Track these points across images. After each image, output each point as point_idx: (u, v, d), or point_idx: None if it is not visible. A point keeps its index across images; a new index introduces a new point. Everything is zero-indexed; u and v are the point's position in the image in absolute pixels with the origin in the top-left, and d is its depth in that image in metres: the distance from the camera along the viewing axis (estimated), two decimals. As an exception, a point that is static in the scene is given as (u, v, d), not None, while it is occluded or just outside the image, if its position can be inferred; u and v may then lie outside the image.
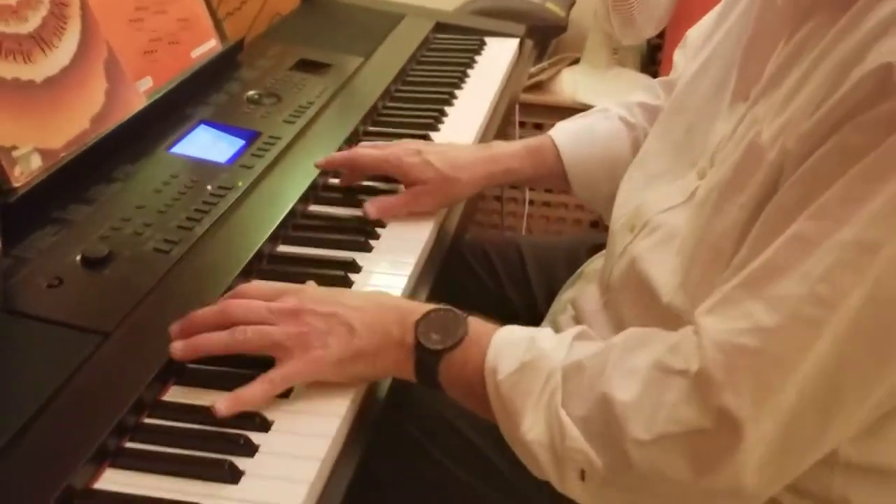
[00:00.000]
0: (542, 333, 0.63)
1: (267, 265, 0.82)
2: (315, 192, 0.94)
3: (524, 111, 1.75)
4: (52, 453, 0.58)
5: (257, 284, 0.69)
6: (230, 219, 0.84)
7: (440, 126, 1.12)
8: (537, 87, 1.78)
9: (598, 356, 0.59)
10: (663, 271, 0.69)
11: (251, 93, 1.10)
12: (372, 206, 0.87)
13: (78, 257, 0.75)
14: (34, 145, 0.83)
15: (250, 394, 0.61)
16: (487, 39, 1.40)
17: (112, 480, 0.59)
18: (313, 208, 0.93)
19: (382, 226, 0.89)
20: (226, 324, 0.65)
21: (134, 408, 0.63)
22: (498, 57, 1.35)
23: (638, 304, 0.73)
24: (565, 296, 0.96)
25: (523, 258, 1.07)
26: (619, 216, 0.82)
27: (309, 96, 1.11)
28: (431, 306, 0.66)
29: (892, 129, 0.50)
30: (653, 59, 1.86)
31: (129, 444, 0.62)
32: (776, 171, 0.57)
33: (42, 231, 0.79)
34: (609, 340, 0.61)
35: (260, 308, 0.64)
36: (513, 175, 0.92)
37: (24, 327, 0.68)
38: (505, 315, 0.99)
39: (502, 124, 1.23)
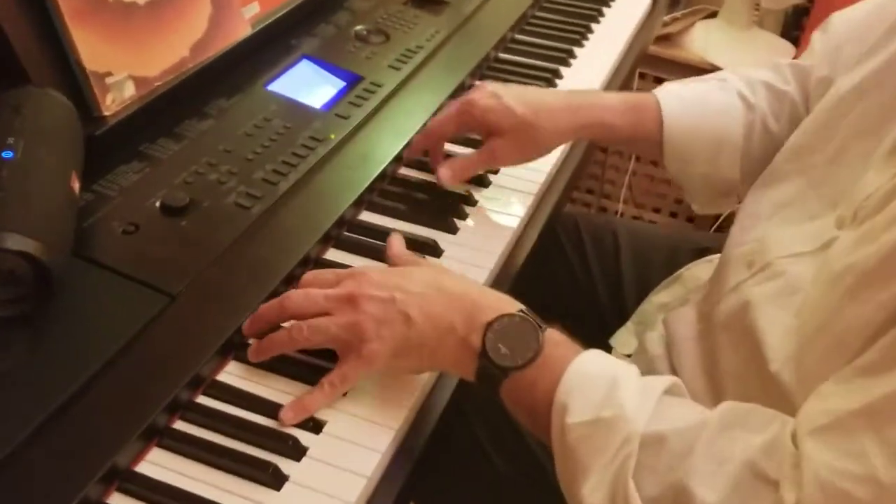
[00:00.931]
0: (626, 377, 0.56)
1: (346, 232, 0.79)
2: (400, 163, 0.89)
3: (647, 63, 1.64)
4: (99, 427, 0.56)
5: (318, 273, 0.66)
6: (317, 176, 0.81)
7: (556, 83, 1.05)
8: (666, 38, 1.66)
9: (687, 433, 0.53)
10: (777, 332, 0.62)
11: (359, 27, 1.04)
12: (445, 171, 0.81)
13: (158, 203, 0.73)
14: (129, 72, 0.80)
15: (313, 400, 0.60)
16: (618, -10, 1.29)
17: (156, 462, 0.58)
18: (405, 171, 0.89)
19: (472, 203, 0.84)
20: (286, 318, 0.63)
21: (190, 383, 0.62)
22: (628, 9, 1.25)
23: (740, 354, 0.66)
24: (657, 298, 0.91)
25: (618, 245, 1.00)
26: (736, 242, 0.74)
27: (419, 38, 1.05)
28: (506, 306, 0.60)
29: None
30: (797, 24, 1.70)
31: (178, 424, 0.60)
32: None
33: (127, 166, 0.77)
34: (702, 416, 0.54)
35: (317, 297, 0.62)
36: (606, 130, 0.83)
37: (92, 276, 0.66)
38: (588, 302, 0.96)
39: (626, 78, 1.15)
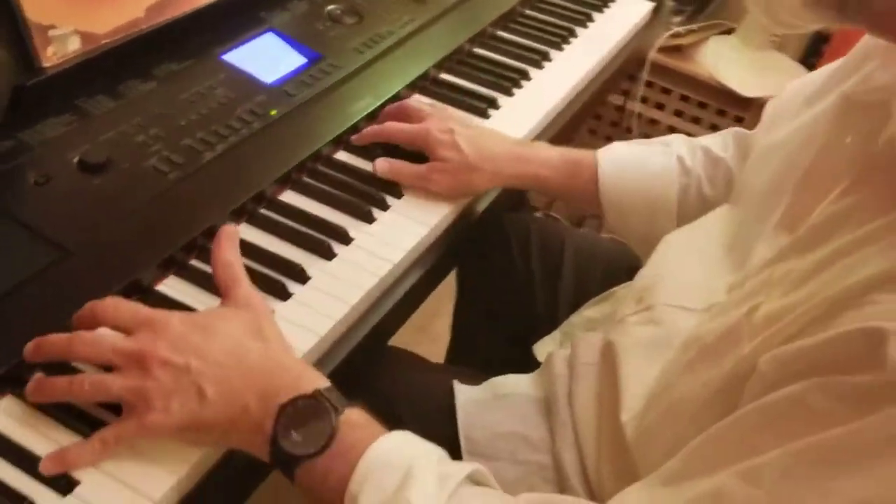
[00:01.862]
0: (422, 468, 0.52)
1: (263, 209, 0.79)
2: (348, 140, 0.88)
3: (655, 72, 1.61)
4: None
5: (117, 305, 0.58)
6: (245, 149, 0.80)
7: (515, 91, 1.03)
8: (677, 49, 1.62)
9: None
10: (636, 383, 0.60)
11: (333, 7, 1.03)
12: (384, 163, 0.82)
13: (76, 158, 0.74)
14: (75, 27, 0.81)
15: (79, 455, 0.54)
16: (619, -5, 1.27)
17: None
18: (343, 156, 0.87)
19: (398, 196, 0.83)
20: (71, 358, 0.58)
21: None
22: (622, 16, 1.22)
23: (604, 391, 0.65)
24: (587, 312, 0.90)
25: (563, 253, 0.99)
26: (643, 274, 0.73)
27: (392, 24, 1.04)
28: (306, 385, 0.55)
29: (863, 407, 0.39)
30: (816, 51, 1.65)
31: None
32: (745, 371, 0.47)
33: (57, 118, 0.78)
34: None
35: (105, 348, 0.56)
36: (541, 183, 0.84)
37: None
38: (523, 305, 0.96)
39: (604, 89, 1.13)
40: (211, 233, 0.72)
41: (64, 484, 0.53)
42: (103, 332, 0.57)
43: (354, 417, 0.55)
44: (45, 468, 0.53)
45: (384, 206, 0.82)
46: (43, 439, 0.56)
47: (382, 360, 0.83)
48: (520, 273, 0.99)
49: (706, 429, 0.46)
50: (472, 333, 1.04)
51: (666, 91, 1.65)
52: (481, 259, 1.01)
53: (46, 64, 0.78)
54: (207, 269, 0.68)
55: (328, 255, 0.75)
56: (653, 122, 1.70)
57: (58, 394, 0.56)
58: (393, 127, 0.85)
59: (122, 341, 0.56)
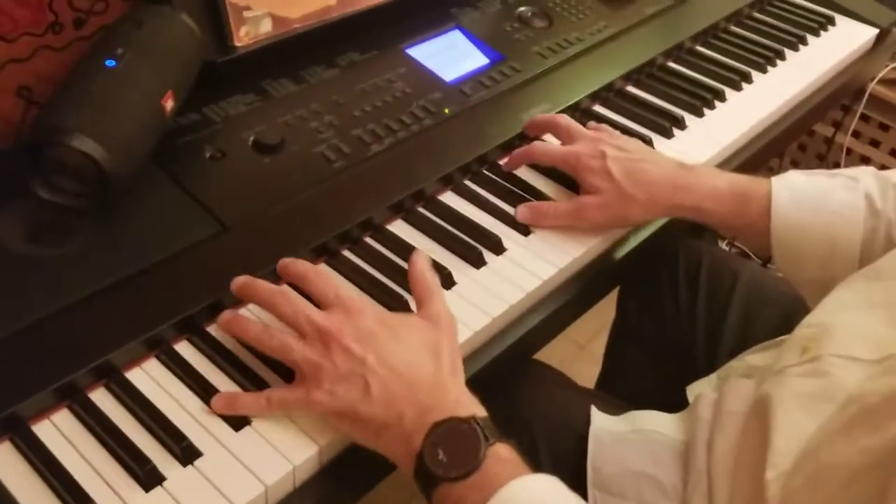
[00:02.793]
0: None
1: (421, 208, 0.77)
2: (513, 147, 0.85)
3: (873, 105, 1.47)
4: (106, 325, 0.61)
5: (325, 279, 0.61)
6: (412, 146, 0.80)
7: (706, 112, 0.96)
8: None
9: None
10: (791, 437, 0.55)
11: (524, 9, 1.01)
12: (526, 211, 0.77)
13: (252, 137, 0.76)
14: (269, 10, 0.83)
15: (246, 403, 0.59)
16: (839, 19, 1.16)
17: (148, 372, 0.61)
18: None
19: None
20: (269, 309, 0.61)
21: (202, 312, 0.64)
22: (837, 44, 1.11)
23: (741, 448, 0.60)
24: (750, 358, 0.82)
25: (734, 290, 0.91)
26: (806, 322, 0.66)
27: (583, 30, 1.00)
28: (462, 409, 0.56)
29: None
30: None
31: (181, 346, 0.63)
32: None
33: (242, 96, 0.80)
34: None
35: (302, 315, 0.59)
36: (703, 216, 0.77)
37: (163, 188, 0.69)
38: (684, 340, 0.90)
39: (809, 119, 1.04)
40: (367, 225, 0.73)
41: (238, 422, 0.58)
42: (299, 304, 0.59)
43: (502, 452, 0.54)
44: (216, 405, 0.58)
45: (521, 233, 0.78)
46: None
47: (525, 373, 0.80)
48: (684, 306, 0.93)
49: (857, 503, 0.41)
50: (625, 361, 0.99)
51: (884, 127, 1.50)
52: (645, 285, 0.96)
53: (238, 43, 0.81)
54: (357, 261, 0.70)
55: (478, 262, 0.73)
56: (864, 159, 1.55)
57: (248, 334, 0.59)
58: (539, 149, 0.81)
59: (317, 314, 0.58)
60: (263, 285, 0.61)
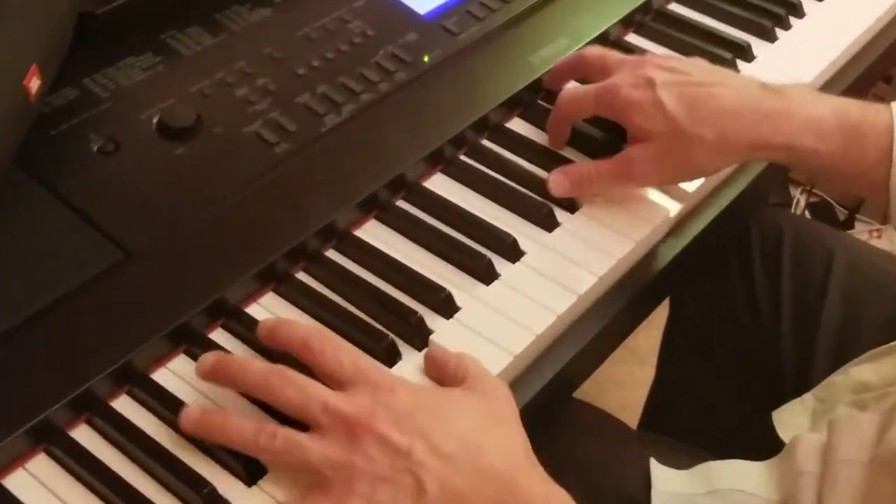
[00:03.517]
0: None
1: (401, 201, 0.75)
2: (528, 103, 0.83)
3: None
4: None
5: (336, 344, 0.60)
6: (379, 114, 0.77)
7: (780, 33, 0.93)
8: None
9: None
10: None
11: None
12: (561, 179, 0.75)
13: (156, 117, 0.72)
14: (167, -69, 0.78)
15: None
16: None
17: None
18: (516, 126, 0.83)
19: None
20: (263, 397, 0.59)
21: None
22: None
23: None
24: (857, 371, 0.81)
25: (829, 274, 0.90)
26: None
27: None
28: (553, 500, 0.56)
29: None
30: None
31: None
32: None
33: (137, 59, 0.76)
34: None
35: (313, 400, 0.57)
36: (796, 157, 0.74)
37: (38, 201, 0.65)
38: (764, 345, 0.91)
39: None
40: (328, 233, 0.70)
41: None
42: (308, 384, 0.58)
43: None
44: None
45: (574, 206, 0.76)
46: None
47: (560, 419, 0.80)
48: (762, 300, 0.92)
49: None
50: (684, 380, 0.99)
51: None
52: (708, 274, 0.95)
53: (126, -13, 0.75)
54: (318, 287, 0.68)
55: (487, 276, 0.70)
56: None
57: (235, 437, 0.57)
58: (567, 100, 0.78)
59: (335, 398, 0.57)
60: (249, 364, 0.59)
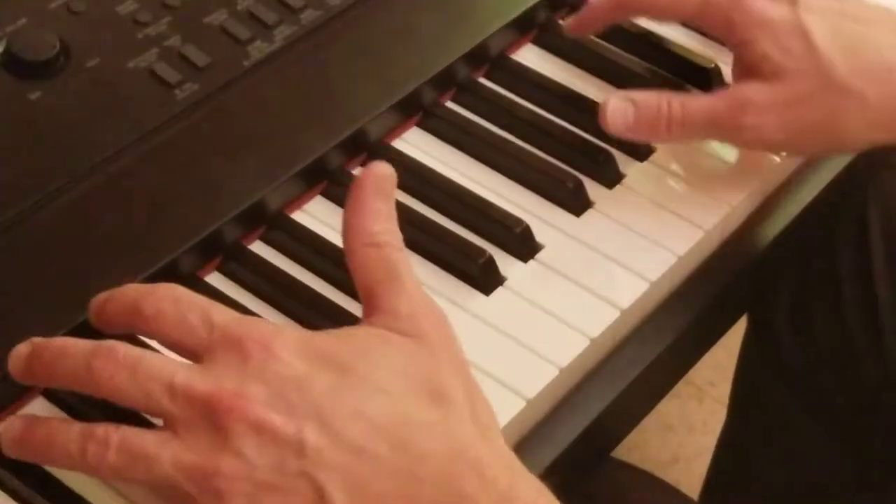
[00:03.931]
0: None
1: (343, 176, 0.68)
2: (547, 23, 0.77)
3: None
4: None
5: (183, 300, 0.54)
6: (322, 45, 0.71)
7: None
8: None
9: None
10: None
11: None
12: (621, 107, 0.69)
13: (2, 44, 0.66)
14: None
15: None
16: None
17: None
18: (528, 57, 0.76)
19: (643, 155, 0.71)
20: (87, 388, 0.52)
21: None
22: None
23: None
24: None
25: None
26: None
27: None
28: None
29: None
30: None
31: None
32: None
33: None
34: None
35: (154, 380, 0.51)
36: None
37: None
38: (870, 383, 0.85)
39: None
40: (252, 218, 0.65)
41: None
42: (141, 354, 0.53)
43: None
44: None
45: (611, 179, 0.69)
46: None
47: (602, 478, 0.78)
48: (884, 313, 0.85)
49: None
50: (768, 426, 0.94)
51: None
52: (805, 277, 0.88)
53: None
54: (235, 293, 0.63)
55: (488, 282, 0.64)
56: None
57: (55, 457, 0.52)
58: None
59: (184, 374, 0.51)
60: (69, 347, 0.53)
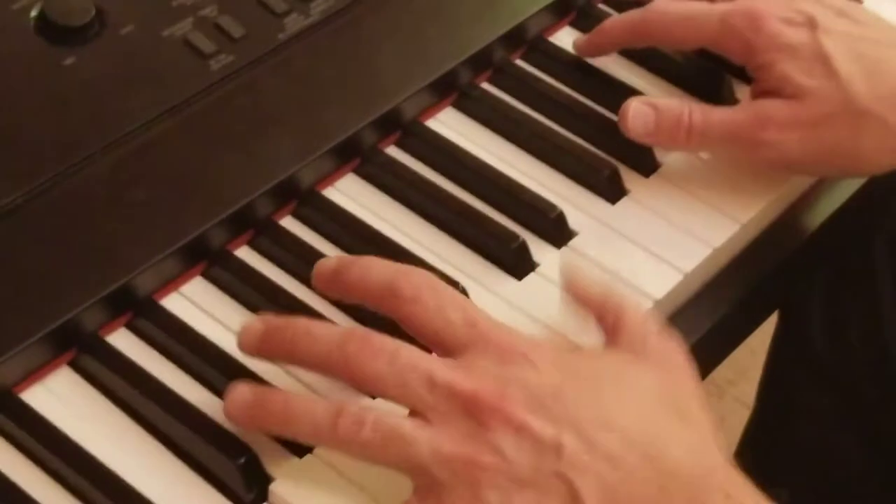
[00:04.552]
0: None
1: (377, 156, 0.68)
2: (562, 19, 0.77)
3: None
4: None
5: (437, 290, 0.55)
6: (361, 22, 0.71)
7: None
8: None
9: None
10: None
11: None
12: (644, 112, 0.68)
13: (35, 10, 0.65)
14: None
15: None
16: None
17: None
18: (563, 39, 0.75)
19: (647, 169, 0.70)
20: (338, 373, 0.55)
21: None
22: None
23: None
24: None
25: None
26: None
27: None
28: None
29: None
30: None
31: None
32: None
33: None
34: None
35: (416, 371, 0.52)
36: None
37: None
38: None
39: None
40: (287, 192, 0.65)
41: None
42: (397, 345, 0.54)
43: None
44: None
45: (647, 167, 0.69)
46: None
47: None
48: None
49: None
50: (797, 425, 0.93)
51: None
52: (840, 275, 0.88)
53: None
54: (259, 265, 0.62)
55: (520, 265, 0.63)
56: None
57: (298, 428, 0.53)
58: (666, 9, 0.72)
59: (447, 369, 0.52)
60: (315, 328, 0.55)
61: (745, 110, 0.69)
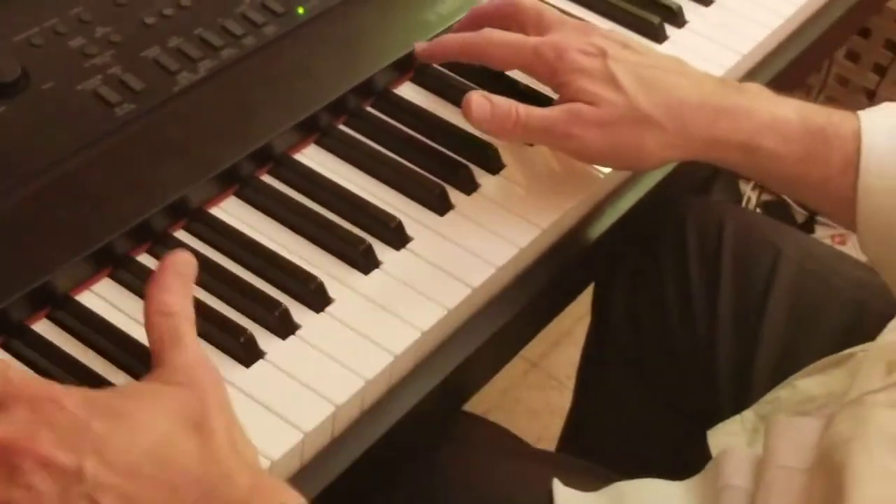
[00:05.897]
0: None
1: (261, 177, 0.75)
2: (413, 67, 0.84)
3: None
4: None
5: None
6: (243, 75, 0.77)
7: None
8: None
9: None
10: (880, 497, 0.59)
11: None
12: (482, 103, 0.75)
13: None
14: None
15: None
16: None
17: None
18: (405, 91, 0.83)
19: (496, 168, 0.79)
20: None
21: None
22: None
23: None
24: (805, 383, 0.85)
25: (775, 274, 0.92)
26: (891, 326, 0.69)
27: None
28: (272, 498, 0.56)
29: None
30: None
31: None
32: None
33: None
34: None
35: None
36: (756, 159, 0.75)
37: None
38: (696, 359, 0.93)
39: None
40: (177, 211, 0.70)
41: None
42: None
43: None
44: None
45: (469, 187, 0.77)
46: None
47: (450, 434, 0.81)
48: (698, 304, 0.93)
49: None
50: (607, 397, 1.01)
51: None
52: (636, 273, 0.97)
53: None
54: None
55: (366, 264, 0.71)
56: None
57: None
58: (489, 37, 0.78)
59: None
60: None
61: (559, 109, 0.75)
